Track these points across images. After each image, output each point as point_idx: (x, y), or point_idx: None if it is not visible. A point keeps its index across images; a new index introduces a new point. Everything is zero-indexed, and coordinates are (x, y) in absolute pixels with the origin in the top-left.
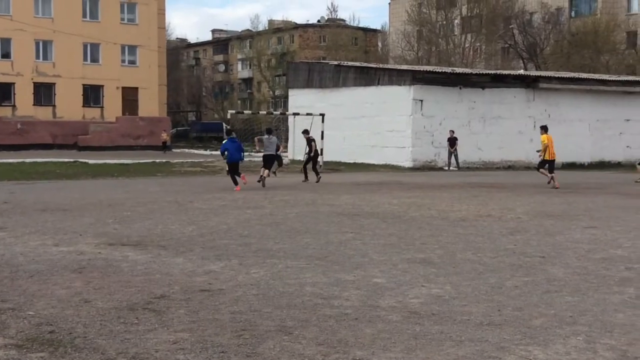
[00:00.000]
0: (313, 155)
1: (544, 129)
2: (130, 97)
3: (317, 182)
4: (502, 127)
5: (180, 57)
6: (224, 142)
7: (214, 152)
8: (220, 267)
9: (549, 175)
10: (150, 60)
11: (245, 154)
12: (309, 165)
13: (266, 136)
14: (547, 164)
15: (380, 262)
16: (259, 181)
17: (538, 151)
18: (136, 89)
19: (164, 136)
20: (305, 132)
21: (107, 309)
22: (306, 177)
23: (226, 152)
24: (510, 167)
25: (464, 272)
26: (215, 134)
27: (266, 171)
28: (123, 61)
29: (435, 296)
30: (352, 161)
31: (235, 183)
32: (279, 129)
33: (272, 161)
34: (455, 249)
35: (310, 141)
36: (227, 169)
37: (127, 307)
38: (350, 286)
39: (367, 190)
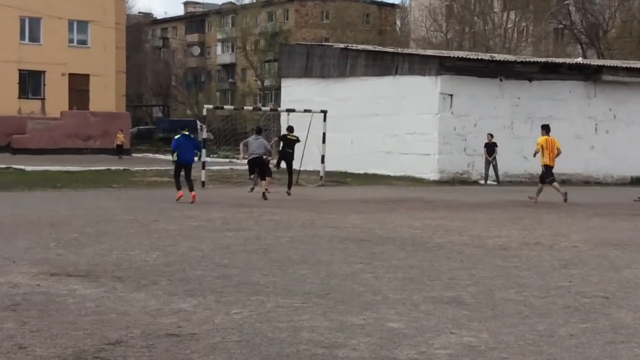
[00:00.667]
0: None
1: (546, 130)
2: (79, 86)
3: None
4: (555, 129)
5: (144, 36)
6: (175, 137)
7: None
8: (193, 306)
9: (559, 188)
10: (106, 40)
11: (224, 159)
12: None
13: (253, 136)
14: (545, 171)
15: (397, 302)
16: (249, 191)
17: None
18: (87, 76)
19: (120, 137)
20: (290, 130)
21: (47, 358)
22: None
23: (176, 152)
24: (564, 181)
25: (504, 316)
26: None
27: (263, 182)
28: (71, 41)
29: (467, 346)
30: (361, 171)
31: (179, 188)
32: (269, 129)
33: (261, 166)
34: (494, 286)
35: (290, 142)
36: (174, 171)
37: (73, 355)
38: (359, 332)
39: (380, 209)
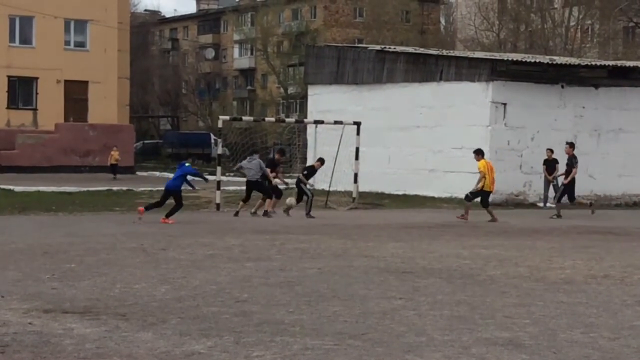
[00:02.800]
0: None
1: (482, 154)
2: (76, 95)
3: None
4: (625, 144)
5: (151, 37)
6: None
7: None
8: (208, 347)
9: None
10: (107, 42)
11: (242, 178)
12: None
13: (247, 159)
14: (482, 197)
15: (444, 344)
16: (234, 215)
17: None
18: (85, 83)
19: (115, 155)
20: (321, 162)
21: None
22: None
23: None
24: (636, 203)
25: None
26: (200, 149)
27: (268, 201)
28: (67, 43)
29: None
30: (400, 192)
31: (151, 207)
32: (292, 143)
33: (260, 189)
34: (557, 326)
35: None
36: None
37: None
38: None
39: (423, 236)
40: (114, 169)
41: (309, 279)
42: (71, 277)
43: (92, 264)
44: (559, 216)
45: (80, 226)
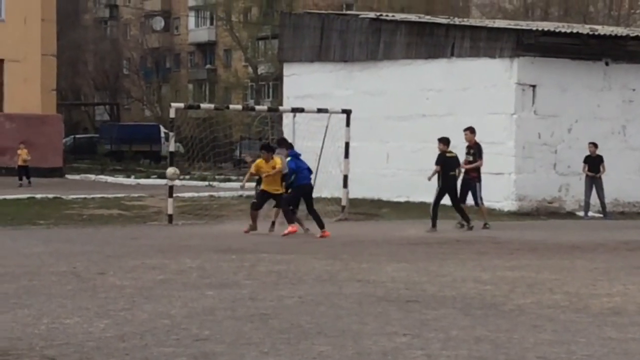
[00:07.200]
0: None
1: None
2: None
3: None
4: None
5: (83, 3)
6: (288, 159)
7: (143, 181)
8: None
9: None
10: (27, 10)
11: (200, 182)
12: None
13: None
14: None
15: None
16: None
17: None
18: (1, 62)
19: (23, 154)
20: (282, 141)
21: None
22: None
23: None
24: None
25: None
26: (148, 146)
27: (274, 210)
28: None
29: None
30: (402, 199)
31: (291, 221)
32: (264, 137)
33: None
34: None
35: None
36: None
37: None
38: None
39: (432, 255)
40: (24, 172)
41: (287, 311)
42: None
43: (11, 293)
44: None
45: None
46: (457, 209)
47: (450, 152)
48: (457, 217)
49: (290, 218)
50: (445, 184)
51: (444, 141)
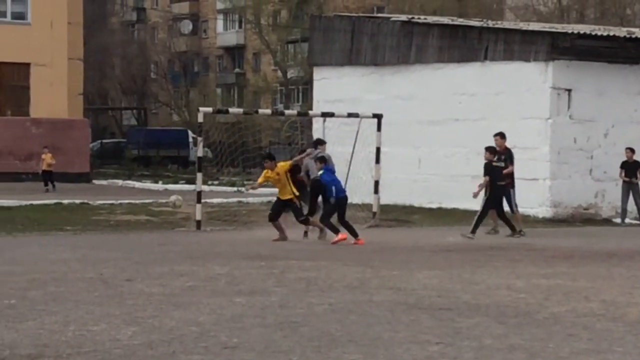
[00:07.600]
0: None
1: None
2: (14, 81)
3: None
4: None
5: (111, 7)
6: (321, 173)
7: (172, 187)
8: None
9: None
10: (54, 14)
11: (229, 188)
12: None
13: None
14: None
15: None
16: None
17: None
18: (27, 66)
19: (47, 158)
20: (319, 142)
21: None
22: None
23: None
24: None
25: None
26: (175, 151)
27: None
28: (2, 14)
29: None
30: (434, 205)
31: (336, 231)
32: (294, 142)
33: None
34: None
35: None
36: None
37: None
38: None
39: (465, 262)
40: (49, 177)
41: (317, 319)
42: (11, 317)
43: (38, 299)
44: None
45: (22, 251)
46: (501, 218)
47: (497, 161)
48: (490, 223)
49: (335, 228)
50: (494, 193)
51: (491, 150)
